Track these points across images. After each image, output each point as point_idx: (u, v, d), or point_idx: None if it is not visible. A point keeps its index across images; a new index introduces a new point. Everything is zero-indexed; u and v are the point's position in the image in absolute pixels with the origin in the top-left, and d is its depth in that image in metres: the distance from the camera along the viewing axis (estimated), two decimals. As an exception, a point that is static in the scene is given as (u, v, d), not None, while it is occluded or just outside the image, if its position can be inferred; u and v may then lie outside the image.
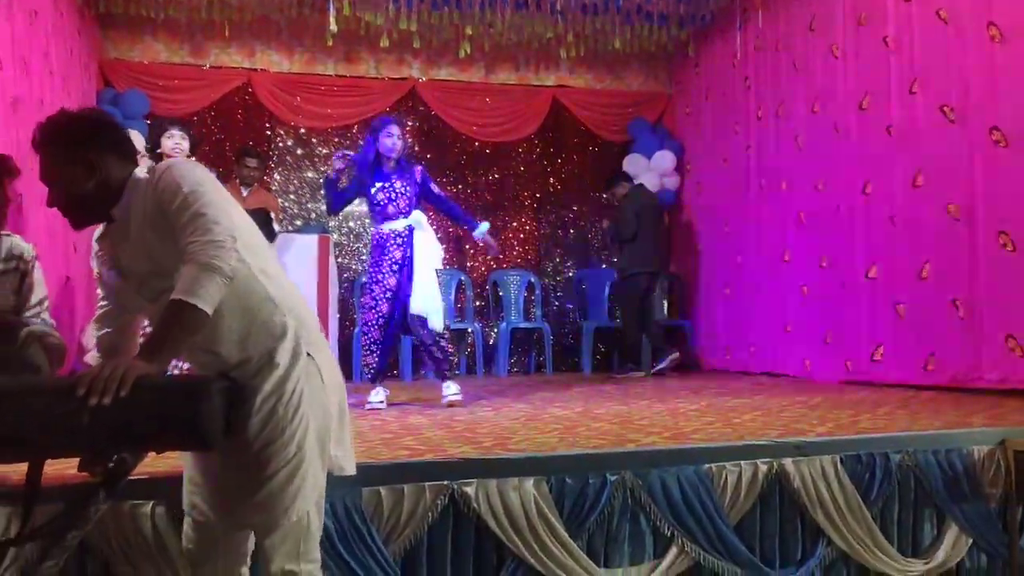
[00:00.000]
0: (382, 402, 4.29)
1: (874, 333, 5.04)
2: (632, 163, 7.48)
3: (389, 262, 4.36)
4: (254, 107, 6.98)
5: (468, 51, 6.83)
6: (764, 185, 6.28)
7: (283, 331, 1.75)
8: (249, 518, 1.76)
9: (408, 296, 4.32)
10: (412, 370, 6.54)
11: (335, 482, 2.28)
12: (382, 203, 4.38)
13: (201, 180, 1.72)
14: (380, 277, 4.37)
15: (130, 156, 1.80)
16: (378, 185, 4.39)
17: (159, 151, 5.00)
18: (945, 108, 4.50)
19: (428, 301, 4.33)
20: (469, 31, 6.68)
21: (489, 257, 7.28)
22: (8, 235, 2.31)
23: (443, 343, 4.49)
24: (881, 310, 4.98)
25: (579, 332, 7.41)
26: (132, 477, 1.78)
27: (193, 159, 4.72)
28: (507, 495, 2.43)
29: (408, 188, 4.39)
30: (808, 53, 5.73)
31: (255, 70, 6.90)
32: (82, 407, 1.43)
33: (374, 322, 4.36)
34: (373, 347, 4.38)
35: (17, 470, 1.87)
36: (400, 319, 4.36)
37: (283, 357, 1.73)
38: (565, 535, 2.45)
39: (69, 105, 5.53)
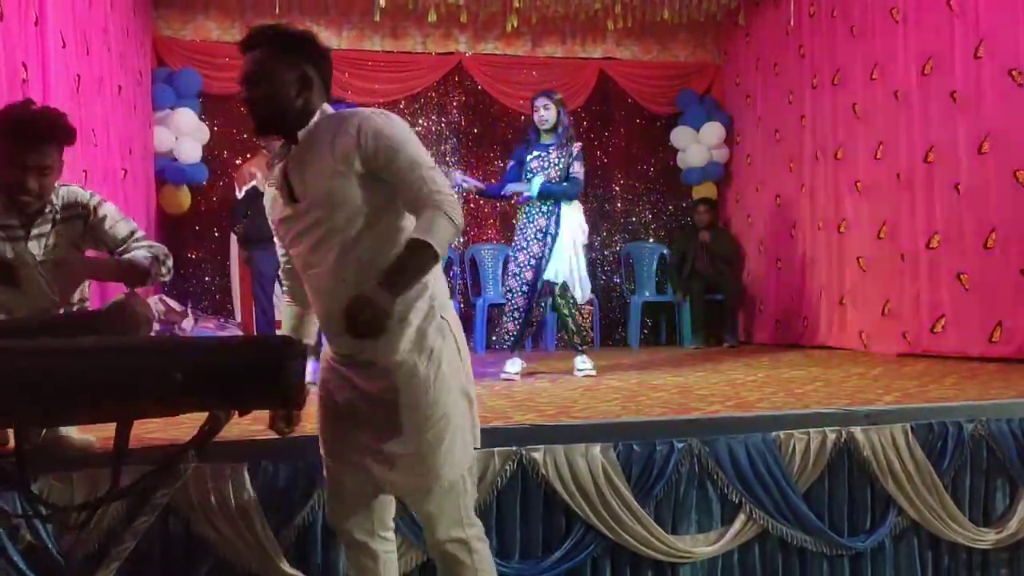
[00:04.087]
0: (517, 373, 4.31)
1: (935, 304, 4.93)
2: (680, 135, 7.38)
3: (535, 229, 4.39)
4: (303, 84, 7.02)
5: (515, 24, 6.77)
6: (819, 155, 6.16)
7: (419, 290, 1.76)
8: (399, 483, 1.77)
9: (548, 263, 4.35)
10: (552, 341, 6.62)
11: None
12: (535, 171, 4.42)
13: (414, 137, 1.78)
14: (525, 244, 4.40)
15: (328, 91, 1.85)
16: (535, 153, 4.46)
17: None
18: (1013, 72, 4.35)
19: (567, 269, 4.36)
20: (516, 4, 6.61)
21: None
22: (66, 185, 2.31)
23: (578, 316, 4.49)
24: (943, 280, 4.87)
25: (626, 306, 7.37)
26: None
27: None
28: (575, 461, 2.44)
29: (562, 161, 4.42)
30: (866, 18, 5.58)
31: (304, 47, 6.94)
32: (173, 365, 1.46)
33: (518, 289, 4.40)
34: (516, 314, 4.41)
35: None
36: (539, 287, 4.39)
37: (416, 316, 1.75)
38: (633, 501, 2.46)
39: (126, 84, 5.60)
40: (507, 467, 2.41)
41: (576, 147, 4.47)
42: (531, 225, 4.40)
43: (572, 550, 2.45)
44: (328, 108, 1.81)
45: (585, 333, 4.54)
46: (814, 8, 6.18)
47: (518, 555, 2.43)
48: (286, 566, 2.21)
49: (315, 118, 1.79)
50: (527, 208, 4.44)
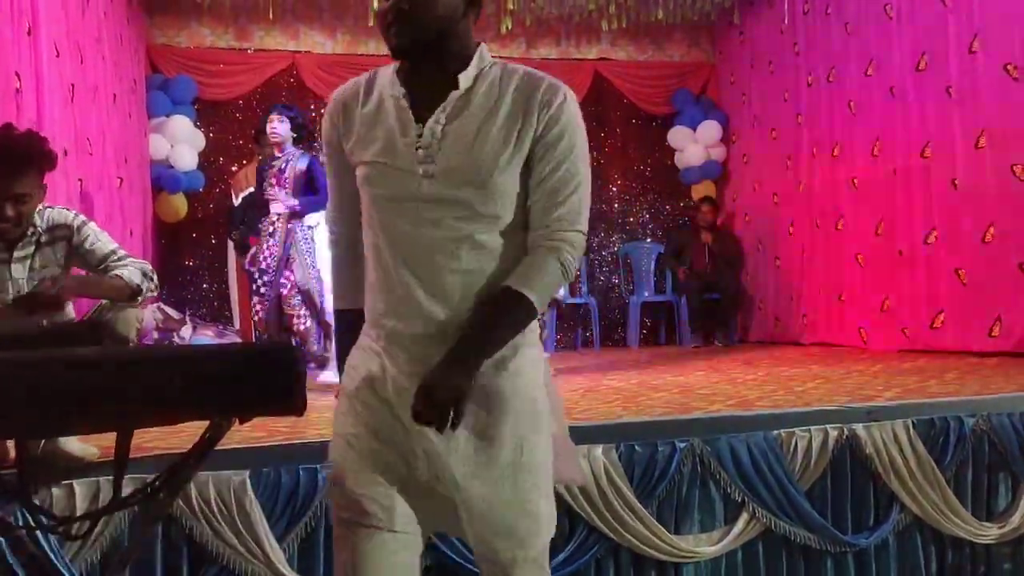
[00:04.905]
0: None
1: (934, 300, 4.93)
2: (676, 135, 7.38)
3: None
4: (298, 89, 7.00)
5: (509, 26, 6.76)
6: (815, 153, 6.16)
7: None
8: (499, 546, 1.38)
9: None
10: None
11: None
12: None
13: (586, 149, 1.42)
14: None
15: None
16: None
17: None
18: (1009, 66, 4.36)
19: None
20: (511, 6, 6.61)
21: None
22: (49, 207, 2.32)
23: None
24: (942, 276, 4.87)
25: (625, 307, 7.37)
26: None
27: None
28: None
29: None
30: (860, 15, 5.59)
31: (299, 52, 6.93)
32: (174, 374, 1.45)
33: None
34: None
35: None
36: None
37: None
38: (636, 502, 2.45)
39: (121, 92, 5.57)
40: (509, 470, 2.40)
41: None
42: None
43: (576, 552, 2.44)
44: (487, 53, 1.41)
45: None
46: (808, 6, 6.19)
47: (521, 558, 2.42)
48: (289, 573, 2.21)
49: (478, 63, 1.38)
50: None
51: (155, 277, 2.37)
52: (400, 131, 1.37)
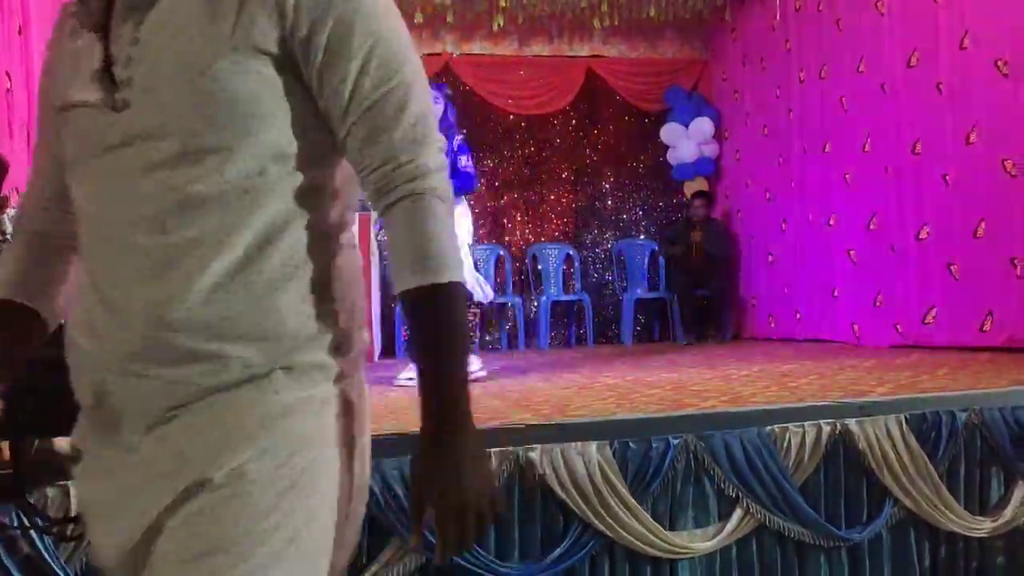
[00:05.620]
0: (412, 379, 4.09)
1: (926, 295, 4.96)
2: (669, 132, 7.39)
3: None
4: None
5: (501, 24, 6.78)
6: (807, 149, 6.18)
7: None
8: None
9: None
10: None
11: (400, 450, 2.31)
12: None
13: (401, 27, 0.96)
14: None
15: None
16: None
17: None
18: (999, 62, 4.38)
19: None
20: (503, 3, 6.62)
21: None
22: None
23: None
24: (933, 271, 4.90)
25: (619, 304, 7.39)
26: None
27: None
28: (571, 460, 2.44)
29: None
30: (852, 12, 5.60)
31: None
32: None
33: None
34: None
35: None
36: None
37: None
38: (630, 498, 2.46)
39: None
40: (504, 467, 2.40)
41: (457, 139, 4.18)
42: None
43: (571, 548, 2.45)
44: None
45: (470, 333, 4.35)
46: (800, 3, 6.20)
47: (517, 555, 2.43)
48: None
49: None
50: None
51: None
52: (84, 54, 0.95)
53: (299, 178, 0.94)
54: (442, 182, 0.95)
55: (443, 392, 0.92)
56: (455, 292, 0.93)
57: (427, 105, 0.96)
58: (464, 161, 4.23)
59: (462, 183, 4.13)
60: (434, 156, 0.95)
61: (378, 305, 6.47)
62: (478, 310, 4.47)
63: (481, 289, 4.31)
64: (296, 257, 0.93)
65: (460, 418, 0.92)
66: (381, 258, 6.83)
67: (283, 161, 0.92)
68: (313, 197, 0.95)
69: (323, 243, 0.96)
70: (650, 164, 7.63)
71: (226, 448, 0.89)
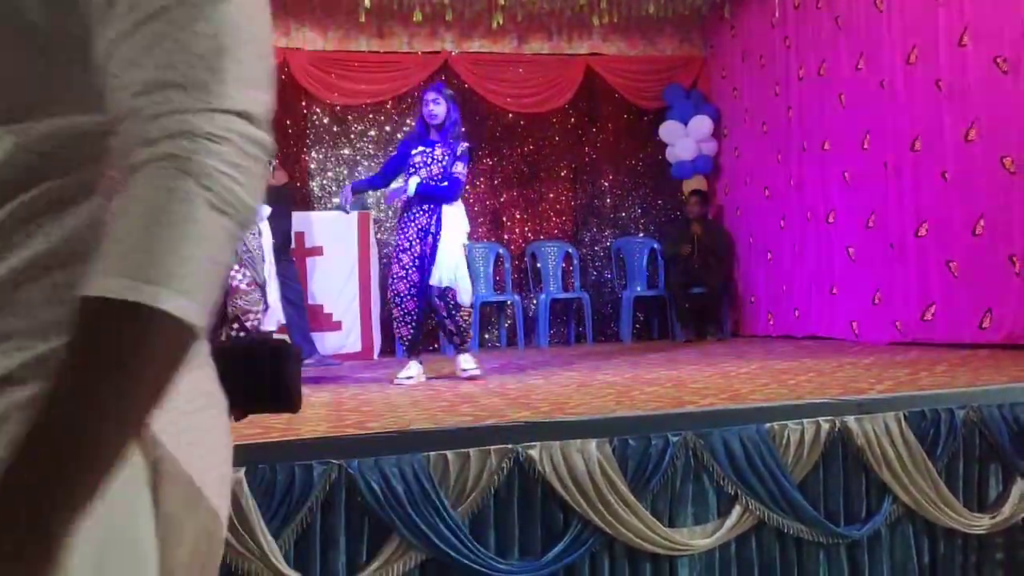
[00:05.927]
0: (411, 377, 4.11)
1: (925, 292, 4.96)
2: (668, 130, 7.39)
3: (416, 229, 4.25)
4: (290, 86, 6.98)
5: (500, 22, 6.78)
6: (806, 146, 6.18)
7: None
8: None
9: (431, 265, 4.20)
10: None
11: (404, 445, 2.32)
12: (417, 166, 4.31)
13: None
14: (408, 244, 4.26)
15: None
16: (420, 148, 4.34)
17: None
18: (998, 59, 4.38)
19: (451, 273, 4.20)
20: (502, 1, 6.63)
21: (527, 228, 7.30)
22: None
23: (459, 317, 4.27)
24: (932, 269, 4.90)
25: (618, 301, 7.39)
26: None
27: None
28: (571, 457, 2.45)
29: (447, 158, 4.30)
30: (851, 9, 5.61)
31: (290, 49, 6.91)
32: None
33: (407, 292, 4.22)
34: (407, 318, 4.23)
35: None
36: (427, 288, 4.23)
37: None
38: (630, 495, 2.46)
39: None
40: (504, 465, 2.41)
41: (462, 146, 4.34)
42: (412, 224, 4.27)
43: (570, 546, 2.45)
44: None
45: (465, 334, 4.34)
46: (799, 0, 6.20)
47: (517, 552, 2.44)
48: (286, 568, 2.21)
49: None
50: (407, 207, 4.34)
51: None
52: None
53: None
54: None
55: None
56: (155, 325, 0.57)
57: None
58: (460, 168, 4.31)
59: (452, 189, 4.28)
60: None
61: (378, 305, 6.48)
62: (471, 308, 4.49)
63: (464, 292, 4.27)
64: None
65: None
66: (381, 258, 6.84)
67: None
68: None
69: None
70: (649, 162, 7.63)
71: None
